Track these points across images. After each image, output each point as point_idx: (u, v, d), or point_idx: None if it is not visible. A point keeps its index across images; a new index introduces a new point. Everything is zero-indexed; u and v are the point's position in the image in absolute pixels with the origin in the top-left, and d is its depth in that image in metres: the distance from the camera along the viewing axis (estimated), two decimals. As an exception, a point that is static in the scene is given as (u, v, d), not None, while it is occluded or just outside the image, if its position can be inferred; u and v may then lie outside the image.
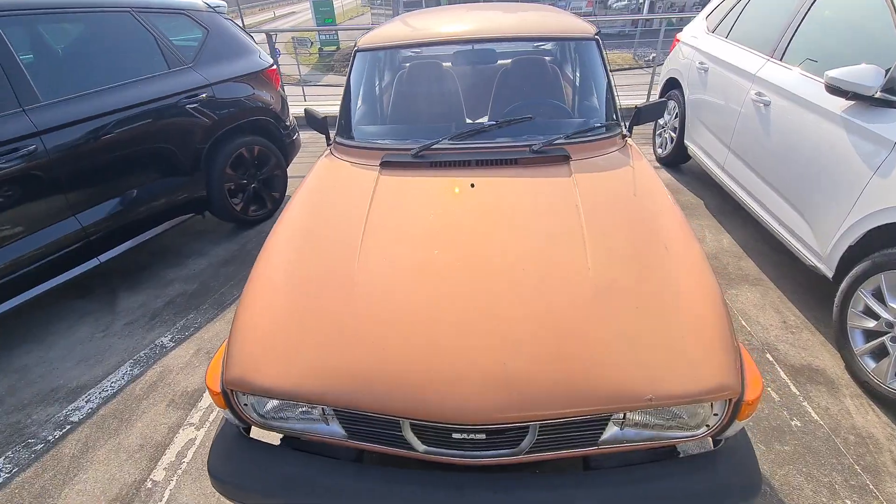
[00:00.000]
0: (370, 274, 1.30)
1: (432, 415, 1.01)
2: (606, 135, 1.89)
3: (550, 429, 1.06)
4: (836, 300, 1.97)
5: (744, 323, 2.23)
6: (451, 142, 1.83)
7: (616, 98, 2.02)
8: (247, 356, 1.15)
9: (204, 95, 2.77)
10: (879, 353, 1.82)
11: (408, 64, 2.42)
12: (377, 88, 2.32)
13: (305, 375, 1.09)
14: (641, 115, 2.00)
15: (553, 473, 1.10)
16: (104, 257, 2.41)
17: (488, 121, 1.99)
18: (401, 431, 1.09)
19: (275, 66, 3.40)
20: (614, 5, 19.23)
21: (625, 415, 1.07)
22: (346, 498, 1.07)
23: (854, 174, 1.91)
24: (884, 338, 1.79)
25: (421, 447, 1.11)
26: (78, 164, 2.22)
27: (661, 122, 4.10)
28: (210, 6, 3.00)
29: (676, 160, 3.89)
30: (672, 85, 3.87)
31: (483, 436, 1.06)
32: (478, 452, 1.11)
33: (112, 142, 2.35)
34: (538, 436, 1.07)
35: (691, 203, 3.38)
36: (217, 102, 2.83)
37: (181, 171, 2.71)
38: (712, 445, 1.20)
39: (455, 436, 1.07)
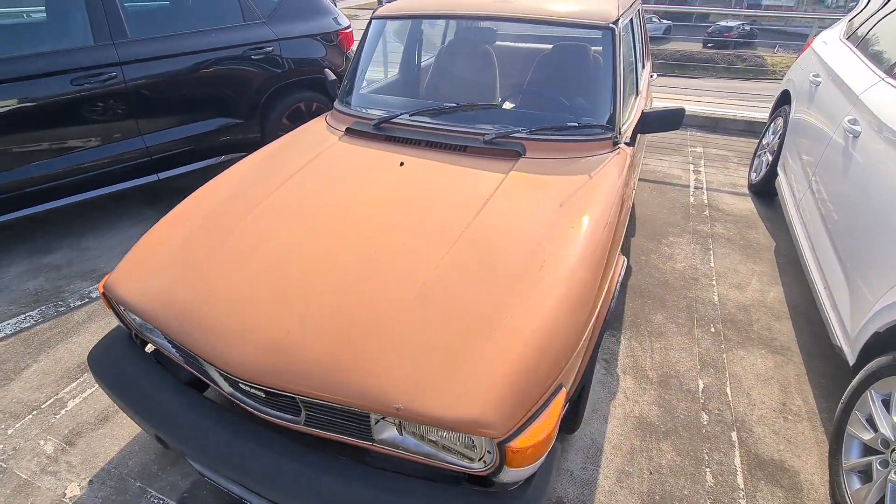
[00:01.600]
0: (253, 224, 1.39)
1: (215, 361, 1.08)
2: (581, 137, 1.68)
3: (318, 408, 1.06)
4: (844, 395, 1.53)
5: (728, 391, 1.86)
6: (412, 118, 1.80)
7: (618, 99, 1.77)
8: (125, 267, 1.34)
9: (270, 49, 3.07)
10: (868, 475, 1.39)
11: (414, 39, 2.39)
12: (380, 56, 2.34)
13: (150, 299, 1.23)
14: (646, 122, 1.74)
15: (324, 454, 1.10)
16: (163, 175, 2.89)
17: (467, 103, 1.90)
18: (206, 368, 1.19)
19: (349, 30, 3.59)
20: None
21: (401, 424, 1.02)
22: (154, 412, 1.20)
23: (910, 241, 1.43)
24: (873, 458, 1.35)
25: (227, 389, 1.20)
26: (149, 94, 2.67)
27: (764, 142, 3.42)
28: (296, -32, 3.26)
29: (769, 189, 3.24)
30: (785, 99, 3.18)
31: (262, 394, 1.10)
32: (265, 409, 1.15)
33: (181, 80, 2.76)
34: (308, 412, 1.08)
35: (759, 244, 2.81)
36: (281, 57, 3.13)
37: (238, 114, 3.08)
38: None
39: (242, 386, 1.13)
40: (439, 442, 1.03)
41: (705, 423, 1.73)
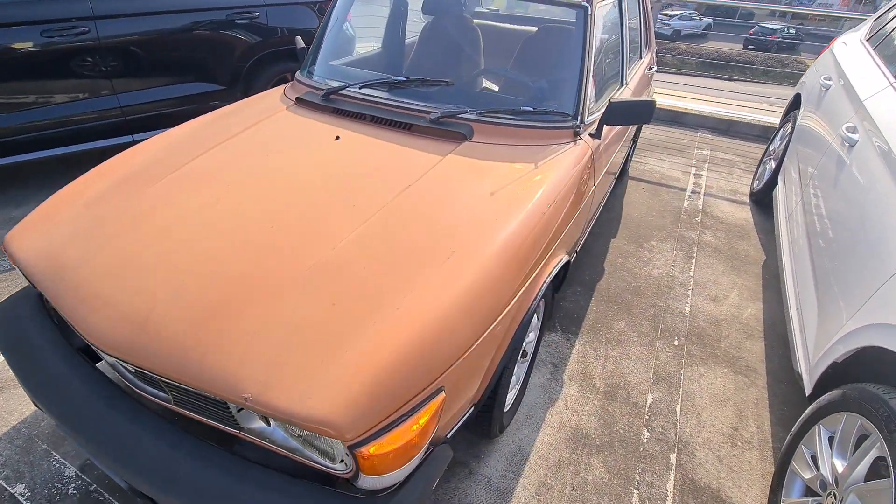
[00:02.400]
0: (163, 188, 1.31)
1: (78, 327, 1.02)
2: (535, 123, 1.55)
3: (180, 390, 0.98)
4: (794, 427, 1.40)
5: (677, 409, 1.73)
6: (361, 91, 1.69)
7: (584, 87, 1.63)
8: (26, 223, 1.27)
9: (256, 15, 2.98)
10: (803, 518, 1.26)
11: (382, 13, 2.26)
12: (346, 29, 2.23)
13: (37, 256, 1.17)
14: (612, 112, 1.59)
15: (191, 437, 1.02)
16: (137, 136, 2.85)
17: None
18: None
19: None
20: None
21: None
22: (33, 375, 1.14)
23: (882, 262, 1.28)
24: (810, 500, 1.23)
25: (108, 358, 1.14)
26: (124, 52, 2.61)
27: (770, 148, 3.20)
28: (291, -69, 3.15)
29: (769, 198, 3.03)
30: (797, 103, 2.96)
31: (132, 367, 1.04)
32: (138, 382, 1.09)
33: (158, 40, 2.70)
34: (172, 392, 1.01)
35: (748, 256, 2.64)
36: (268, 24, 3.03)
37: (220, 80, 3.01)
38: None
39: (107, 358, 1.06)
40: (305, 437, 0.95)
41: (645, 440, 1.62)
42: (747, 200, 3.23)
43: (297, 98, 1.77)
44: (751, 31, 22.18)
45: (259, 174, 1.36)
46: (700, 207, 3.10)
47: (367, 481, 0.89)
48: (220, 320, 0.96)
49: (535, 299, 1.25)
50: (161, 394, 1.06)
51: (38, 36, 2.35)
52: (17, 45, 2.32)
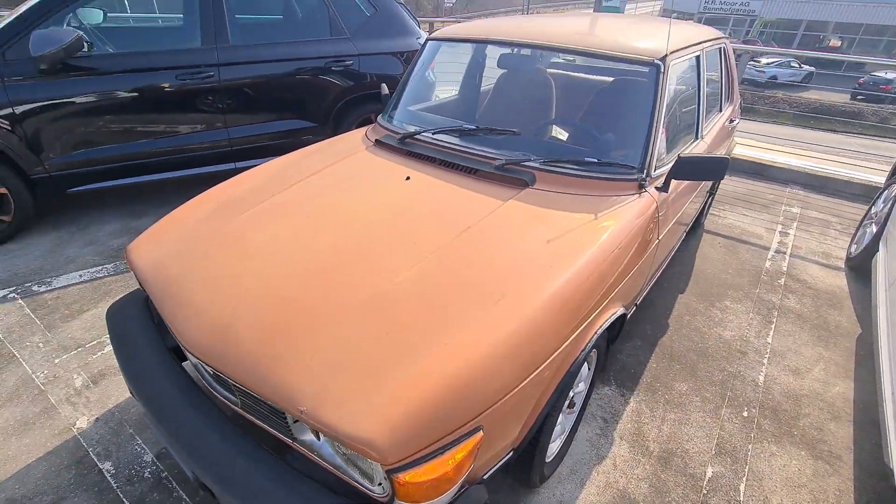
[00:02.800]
0: (254, 215, 1.50)
1: (175, 330, 1.18)
2: (598, 174, 1.58)
3: (247, 395, 1.10)
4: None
5: (741, 488, 1.58)
6: (434, 137, 1.83)
7: (652, 140, 1.64)
8: (144, 237, 1.51)
9: (350, 63, 3.32)
10: None
11: (463, 61, 2.41)
12: (428, 76, 2.40)
13: (150, 267, 1.38)
14: (680, 167, 1.59)
15: (251, 442, 1.13)
16: (240, 164, 3.24)
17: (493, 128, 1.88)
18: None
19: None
20: None
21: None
22: (131, 368, 1.33)
23: None
24: None
25: (193, 359, 1.30)
26: (238, 93, 3.02)
27: (872, 210, 2.91)
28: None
29: (868, 266, 2.74)
30: (906, 163, 2.69)
31: (210, 369, 1.18)
32: (215, 384, 1.23)
33: (266, 83, 3.09)
34: (242, 397, 1.12)
35: (839, 327, 2.39)
36: (359, 71, 3.36)
37: (313, 118, 3.35)
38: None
39: (192, 359, 1.21)
40: (349, 456, 1.02)
41: (700, 518, 1.49)
42: (842, 266, 2.94)
43: (376, 140, 1.94)
44: (860, 81, 20.39)
45: (334, 208, 1.51)
46: (784, 269, 2.87)
47: (401, 508, 0.93)
48: (287, 338, 1.07)
49: (584, 349, 1.24)
50: (231, 397, 1.19)
51: (173, 78, 2.81)
52: (157, 85, 2.79)
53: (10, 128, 2.50)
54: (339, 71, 3.30)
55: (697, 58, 2.06)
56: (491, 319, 1.09)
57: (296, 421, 1.05)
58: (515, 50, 2.20)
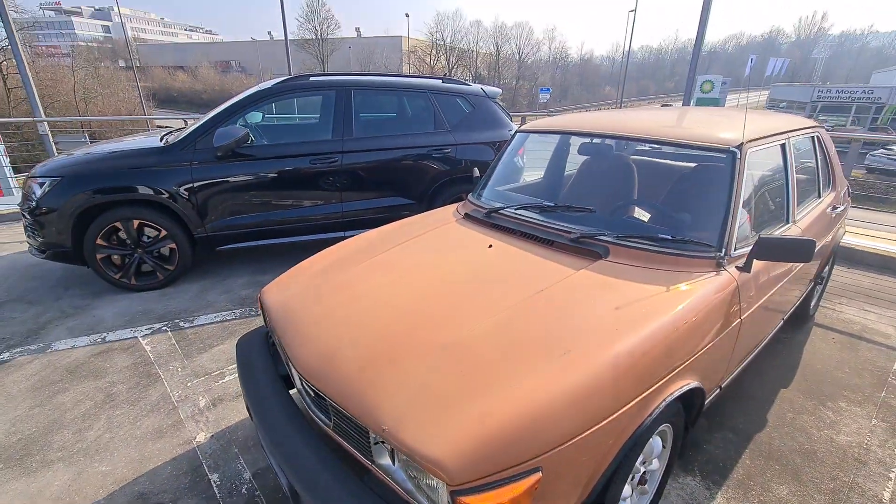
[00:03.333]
0: (361, 270, 1.80)
1: (289, 353, 1.44)
2: (670, 250, 1.66)
3: (340, 416, 1.29)
4: None
5: None
6: (516, 212, 2.05)
7: (729, 221, 1.69)
8: (276, 282, 1.87)
9: (448, 151, 3.81)
10: None
11: (548, 149, 2.66)
12: (517, 162, 2.68)
13: (275, 305, 1.71)
14: (761, 248, 1.61)
15: (337, 461, 1.30)
16: (348, 233, 3.75)
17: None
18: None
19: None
20: None
21: (393, 452, 1.17)
22: (249, 390, 1.60)
23: None
24: None
25: (298, 384, 1.54)
26: (354, 174, 3.60)
27: None
28: (486, 93, 4.05)
29: None
30: None
31: (312, 393, 1.40)
32: (313, 407, 1.44)
33: (378, 167, 3.66)
34: (335, 418, 1.32)
35: None
36: (456, 157, 3.83)
37: (413, 196, 3.83)
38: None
39: (301, 383, 1.45)
40: (419, 482, 1.13)
41: None
42: None
43: (465, 213, 2.22)
44: None
45: (426, 266, 1.75)
46: (920, 373, 2.48)
47: (461, 533, 1.01)
48: (379, 368, 1.27)
49: (651, 415, 1.26)
50: (326, 419, 1.39)
51: (308, 163, 3.47)
52: (296, 169, 3.45)
53: (188, 198, 3.24)
54: (438, 157, 3.79)
55: (783, 146, 2.10)
56: (556, 370, 1.19)
57: (377, 443, 1.21)
58: (595, 140, 2.43)
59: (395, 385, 1.21)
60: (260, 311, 1.93)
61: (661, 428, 1.47)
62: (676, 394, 1.34)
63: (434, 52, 47.72)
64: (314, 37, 45.21)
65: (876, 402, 2.26)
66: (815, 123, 2.57)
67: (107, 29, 77.11)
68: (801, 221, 2.18)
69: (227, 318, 3.03)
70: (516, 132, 2.60)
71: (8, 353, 2.62)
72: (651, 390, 1.28)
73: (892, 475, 1.85)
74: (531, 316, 1.40)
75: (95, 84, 23.55)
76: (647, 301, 1.45)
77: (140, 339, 2.78)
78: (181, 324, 2.95)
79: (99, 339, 2.77)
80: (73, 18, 74.29)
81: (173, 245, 3.33)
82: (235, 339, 2.76)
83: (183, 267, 3.43)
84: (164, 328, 2.90)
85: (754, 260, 1.66)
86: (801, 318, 2.95)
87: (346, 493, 1.17)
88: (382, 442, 1.19)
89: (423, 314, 1.46)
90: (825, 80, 55.47)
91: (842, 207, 2.75)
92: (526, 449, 1.05)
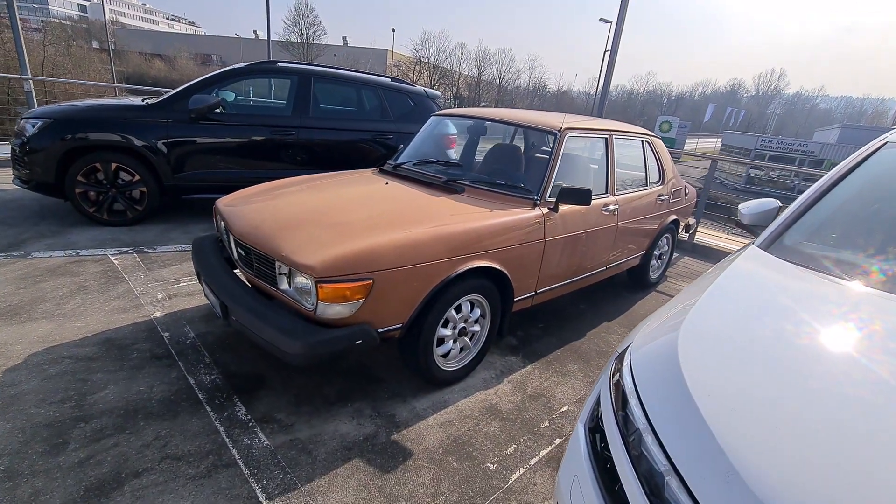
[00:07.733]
0: (296, 191, 2.52)
1: (231, 228, 2.14)
2: (501, 191, 2.47)
3: (259, 258, 1.99)
4: None
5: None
6: (413, 167, 2.83)
7: (546, 179, 2.51)
8: (226, 198, 2.56)
9: (391, 137, 4.59)
10: None
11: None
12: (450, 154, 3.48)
13: (225, 206, 2.40)
14: (561, 194, 2.43)
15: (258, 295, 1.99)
16: (298, 197, 4.43)
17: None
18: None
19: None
20: None
21: (290, 272, 1.88)
22: (200, 262, 2.28)
23: None
24: None
25: (234, 251, 2.22)
26: (309, 148, 4.32)
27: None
28: (427, 94, 4.89)
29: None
30: None
31: (242, 252, 2.09)
32: (242, 265, 2.13)
33: (330, 144, 4.39)
34: (256, 263, 2.01)
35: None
36: (395, 143, 4.61)
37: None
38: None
39: (235, 248, 2.15)
40: (300, 288, 1.84)
41: (542, 427, 2.05)
42: None
43: (379, 169, 2.98)
44: None
45: (339, 189, 2.49)
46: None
47: (320, 307, 1.73)
48: (287, 230, 1.98)
49: (456, 272, 2.02)
50: (250, 270, 2.08)
51: (268, 133, 4.16)
52: (258, 137, 4.14)
53: (162, 150, 3.86)
54: (381, 141, 4.57)
55: (606, 140, 2.97)
56: (397, 233, 1.93)
57: (280, 274, 1.91)
58: (475, 123, 3.26)
59: (295, 237, 1.92)
60: (214, 219, 2.60)
61: (473, 296, 2.22)
62: (479, 265, 2.11)
63: (418, 67, 49.21)
64: (300, 40, 45.89)
65: (667, 332, 3.11)
66: (646, 131, 3.49)
67: (83, 8, 75.23)
68: (619, 196, 3.05)
69: (186, 248, 3.64)
70: (431, 117, 3.40)
71: (-6, 255, 3.15)
72: (461, 257, 2.04)
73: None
74: (397, 211, 2.16)
75: (66, 62, 23.31)
76: (477, 212, 2.23)
77: (109, 256, 3.36)
78: (145, 249, 3.54)
79: (73, 254, 3.33)
80: (48, -6, 72.22)
81: (144, 189, 3.92)
82: (190, 264, 3.39)
83: (150, 209, 4.01)
84: (130, 251, 3.48)
85: (559, 205, 2.48)
86: (642, 284, 3.83)
87: (257, 301, 1.88)
88: (283, 274, 1.89)
89: (326, 210, 2.18)
90: (777, 133, 60.38)
91: (672, 199, 3.66)
92: (365, 266, 1.78)
